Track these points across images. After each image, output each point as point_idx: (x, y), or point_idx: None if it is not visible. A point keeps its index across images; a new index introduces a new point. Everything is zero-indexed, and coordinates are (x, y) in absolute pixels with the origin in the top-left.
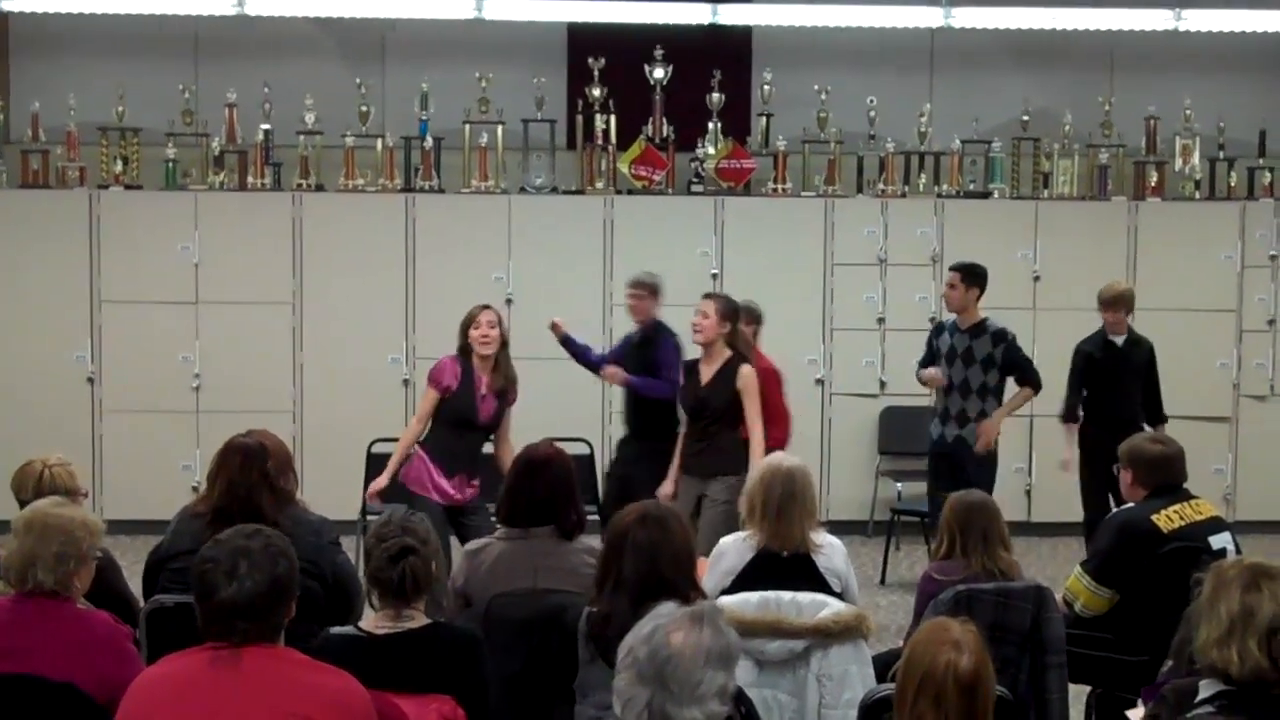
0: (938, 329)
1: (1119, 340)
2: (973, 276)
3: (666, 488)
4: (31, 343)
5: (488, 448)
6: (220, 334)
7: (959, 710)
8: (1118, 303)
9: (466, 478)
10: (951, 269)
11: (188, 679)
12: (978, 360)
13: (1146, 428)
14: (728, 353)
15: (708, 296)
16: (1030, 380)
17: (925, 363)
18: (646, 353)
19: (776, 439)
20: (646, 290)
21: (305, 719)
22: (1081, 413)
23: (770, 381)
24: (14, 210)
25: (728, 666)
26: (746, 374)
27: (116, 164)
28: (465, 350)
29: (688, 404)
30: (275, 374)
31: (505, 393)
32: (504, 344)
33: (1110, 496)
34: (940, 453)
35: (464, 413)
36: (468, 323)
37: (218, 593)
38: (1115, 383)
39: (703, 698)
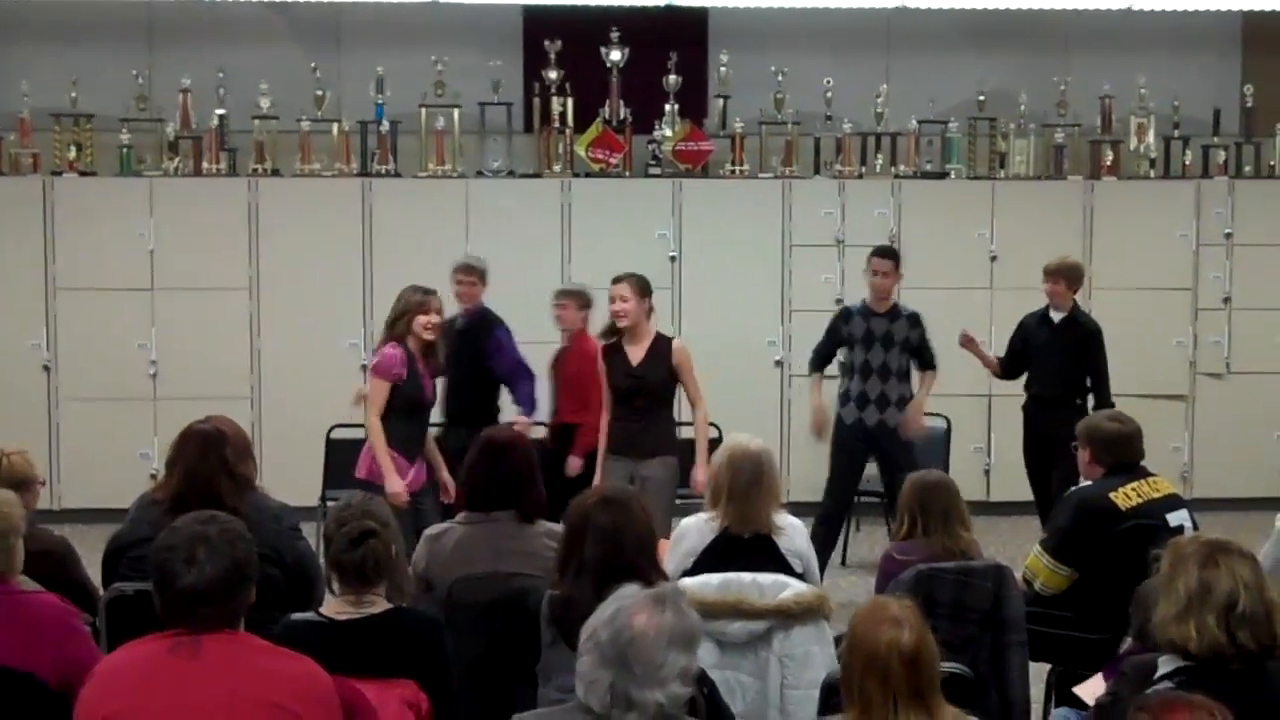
0: (845, 315)
1: (1057, 317)
2: (899, 261)
3: (598, 477)
4: None
5: None
6: (177, 320)
7: (905, 684)
8: (1055, 274)
9: (422, 461)
10: (883, 256)
11: (148, 666)
12: (896, 343)
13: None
14: (654, 331)
15: (619, 280)
16: (933, 364)
17: (825, 352)
18: (473, 340)
19: (596, 424)
20: (476, 276)
21: (268, 704)
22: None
23: (593, 365)
24: None
25: (690, 648)
26: (680, 349)
27: (70, 150)
28: (401, 336)
29: (617, 386)
30: (233, 360)
31: (438, 374)
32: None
33: (1054, 473)
34: (857, 437)
35: (416, 398)
36: (412, 309)
37: (177, 580)
38: (1044, 359)
39: (665, 679)
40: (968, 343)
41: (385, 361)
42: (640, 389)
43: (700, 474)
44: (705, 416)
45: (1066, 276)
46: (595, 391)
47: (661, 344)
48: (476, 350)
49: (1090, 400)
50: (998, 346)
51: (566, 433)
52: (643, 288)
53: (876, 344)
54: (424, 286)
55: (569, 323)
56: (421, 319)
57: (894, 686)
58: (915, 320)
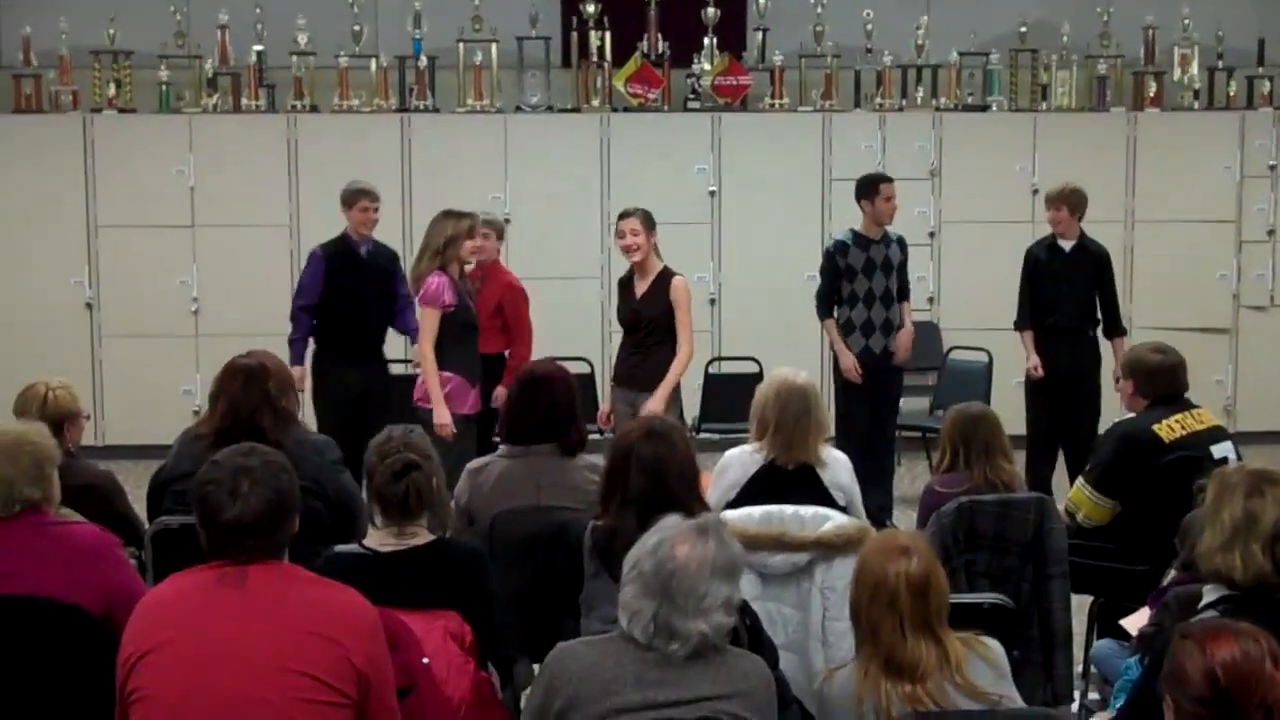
0: (840, 248)
1: (1066, 245)
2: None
3: (605, 406)
4: (29, 269)
5: None
6: (218, 257)
7: (913, 613)
8: (1058, 200)
9: (480, 384)
10: (889, 182)
11: (195, 597)
12: (894, 267)
13: (1102, 339)
14: (660, 265)
15: (628, 215)
16: (909, 292)
17: (831, 293)
18: (382, 268)
19: (521, 356)
20: (380, 202)
21: (313, 635)
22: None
23: (518, 298)
24: (7, 135)
25: (732, 578)
26: (678, 285)
27: (109, 87)
28: (447, 263)
29: (624, 318)
30: (274, 296)
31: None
32: None
33: (1083, 412)
34: (865, 365)
35: (469, 320)
36: (462, 234)
37: (222, 513)
38: (1058, 289)
39: (708, 610)
40: (1037, 368)
41: (432, 291)
42: (639, 322)
43: (652, 404)
44: (687, 357)
45: (1069, 202)
46: (521, 322)
47: (664, 279)
48: (387, 278)
49: (1099, 330)
50: None
51: (484, 362)
52: (649, 222)
53: (877, 271)
54: (458, 210)
55: (489, 253)
56: (469, 244)
57: (901, 612)
58: (903, 243)
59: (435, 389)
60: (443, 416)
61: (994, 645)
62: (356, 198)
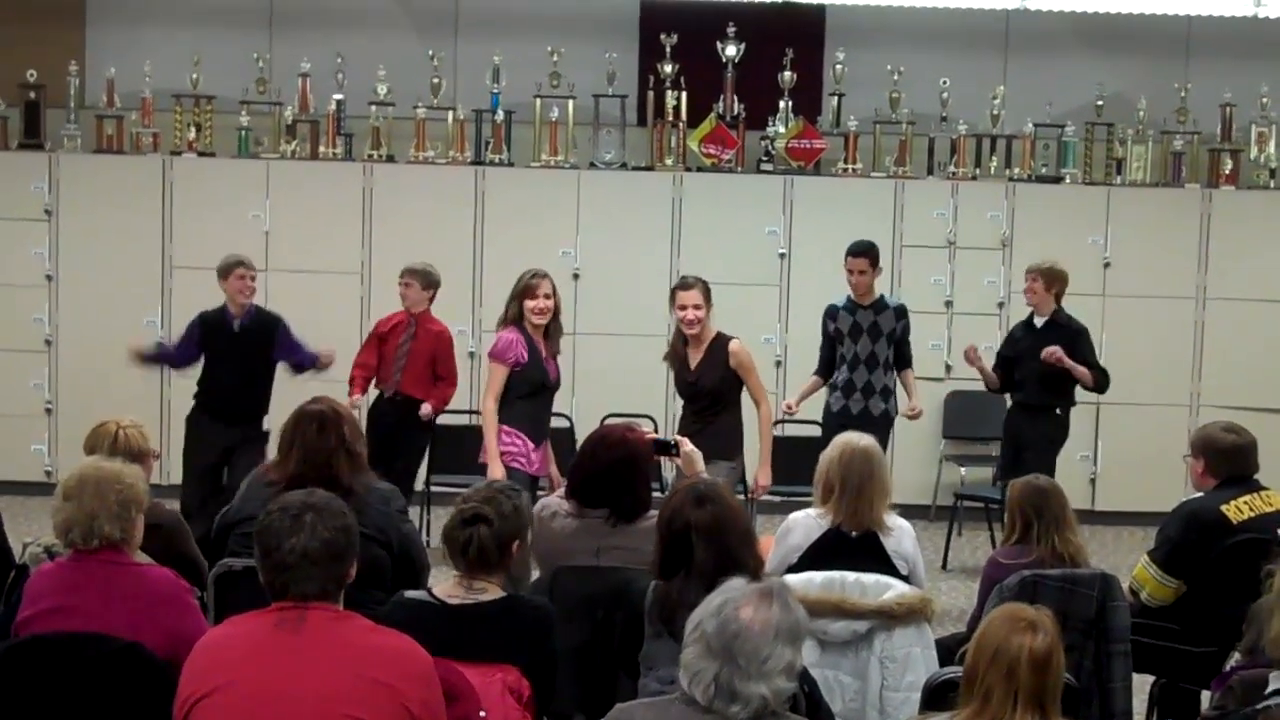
0: (830, 313)
1: (1038, 322)
2: (877, 260)
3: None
4: (104, 307)
5: None
6: (290, 301)
7: (1030, 687)
8: (1034, 271)
9: (548, 445)
10: (857, 255)
11: (253, 639)
12: (884, 334)
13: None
14: (714, 332)
15: (686, 286)
16: (909, 358)
17: (826, 356)
18: (259, 337)
19: (444, 397)
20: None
21: (370, 680)
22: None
23: (445, 345)
24: (88, 175)
25: (796, 643)
26: (737, 350)
27: (190, 131)
28: (518, 319)
29: (682, 390)
30: (343, 343)
31: (557, 356)
32: (555, 312)
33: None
34: (842, 424)
35: (539, 379)
36: (522, 291)
37: (282, 544)
38: (1024, 364)
39: (770, 673)
40: (974, 358)
41: (499, 346)
42: (697, 394)
43: (763, 476)
44: (769, 415)
45: (1046, 277)
46: (445, 371)
47: (719, 345)
48: (264, 347)
49: (1070, 411)
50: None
51: (410, 404)
52: (709, 294)
53: (864, 335)
54: (535, 270)
55: (412, 302)
56: (529, 304)
57: (1017, 684)
58: (901, 312)
59: (491, 442)
60: (495, 471)
61: None
62: (237, 268)
